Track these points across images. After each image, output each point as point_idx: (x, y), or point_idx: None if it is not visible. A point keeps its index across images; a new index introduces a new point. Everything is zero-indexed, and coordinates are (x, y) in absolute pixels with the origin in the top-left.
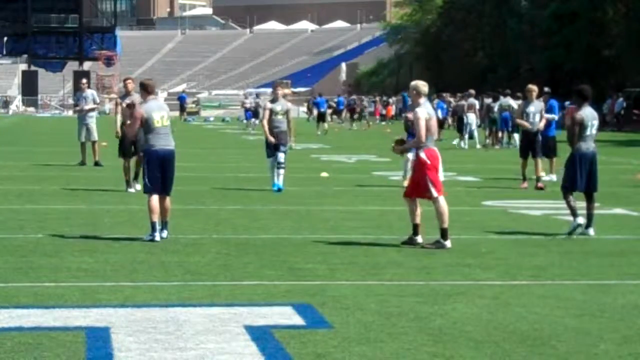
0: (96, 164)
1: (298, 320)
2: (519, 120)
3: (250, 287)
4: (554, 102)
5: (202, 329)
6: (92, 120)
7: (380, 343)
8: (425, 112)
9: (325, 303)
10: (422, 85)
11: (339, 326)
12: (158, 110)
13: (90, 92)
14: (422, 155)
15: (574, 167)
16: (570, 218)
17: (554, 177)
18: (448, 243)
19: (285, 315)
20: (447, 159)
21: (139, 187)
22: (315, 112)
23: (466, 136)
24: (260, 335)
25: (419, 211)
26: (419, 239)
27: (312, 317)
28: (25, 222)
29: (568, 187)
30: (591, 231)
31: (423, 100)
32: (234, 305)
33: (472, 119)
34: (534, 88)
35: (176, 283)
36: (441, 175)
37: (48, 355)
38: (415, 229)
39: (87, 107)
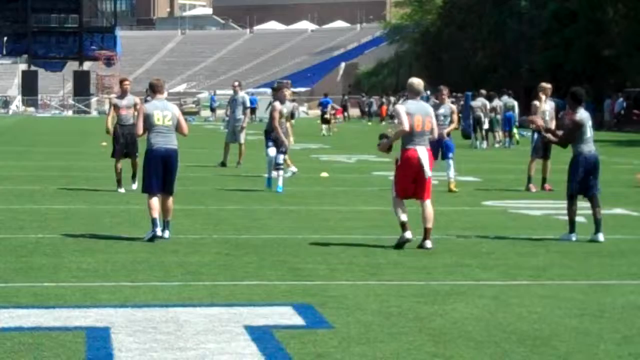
0: (238, 163)
1: (298, 320)
2: (532, 117)
3: (250, 287)
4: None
5: (202, 329)
6: (239, 123)
7: (380, 343)
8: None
9: (325, 303)
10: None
11: (339, 326)
12: (161, 110)
13: (241, 96)
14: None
15: (578, 170)
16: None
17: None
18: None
19: (285, 315)
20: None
21: (134, 186)
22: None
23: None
24: (260, 335)
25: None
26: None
27: (312, 317)
28: (25, 222)
29: (574, 191)
30: (600, 237)
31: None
32: (234, 305)
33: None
34: (548, 86)
35: (176, 283)
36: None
37: (48, 355)
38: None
39: (242, 117)
